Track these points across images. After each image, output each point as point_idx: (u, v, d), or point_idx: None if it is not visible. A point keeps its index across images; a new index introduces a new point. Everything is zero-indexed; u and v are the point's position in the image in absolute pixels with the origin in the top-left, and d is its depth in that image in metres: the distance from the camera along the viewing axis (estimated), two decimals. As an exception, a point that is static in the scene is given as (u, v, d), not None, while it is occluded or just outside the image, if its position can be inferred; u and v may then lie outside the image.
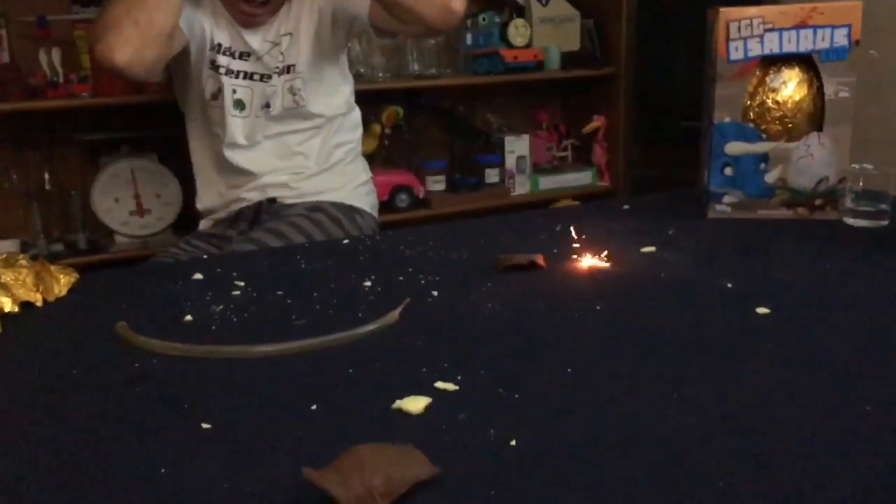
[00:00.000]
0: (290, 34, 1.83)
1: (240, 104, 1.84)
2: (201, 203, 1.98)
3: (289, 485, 0.60)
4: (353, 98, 2.02)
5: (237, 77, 1.84)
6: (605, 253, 1.17)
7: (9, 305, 1.03)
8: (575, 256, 1.17)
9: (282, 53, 1.83)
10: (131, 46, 1.60)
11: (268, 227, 1.74)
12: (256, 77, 1.84)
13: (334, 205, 1.87)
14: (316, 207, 1.84)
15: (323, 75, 1.89)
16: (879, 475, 0.59)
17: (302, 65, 1.84)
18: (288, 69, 1.84)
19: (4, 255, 1.12)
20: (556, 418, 0.70)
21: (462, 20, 1.92)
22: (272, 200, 1.86)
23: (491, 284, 1.08)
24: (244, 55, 1.83)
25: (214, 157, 1.91)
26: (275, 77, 1.83)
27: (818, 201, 1.37)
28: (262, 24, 1.82)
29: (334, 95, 1.94)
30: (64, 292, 1.12)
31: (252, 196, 1.88)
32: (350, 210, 1.90)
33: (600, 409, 0.71)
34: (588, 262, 1.15)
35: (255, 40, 1.82)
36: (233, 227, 1.84)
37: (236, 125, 1.84)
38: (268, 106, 1.84)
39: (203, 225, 1.97)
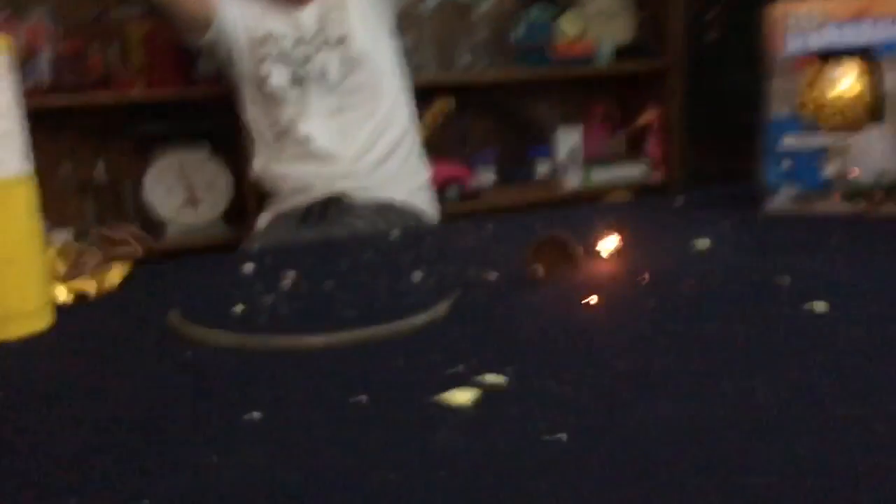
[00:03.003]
0: (337, 8, 1.86)
1: (297, 81, 1.87)
2: (268, 186, 1.99)
3: (336, 476, 0.60)
4: (406, 83, 2.04)
5: (291, 62, 1.86)
6: (659, 247, 1.15)
7: (64, 295, 1.04)
8: (627, 251, 1.15)
9: (330, 28, 1.85)
10: None
11: (339, 221, 1.76)
12: (311, 55, 1.86)
13: (403, 207, 1.89)
14: (386, 207, 1.86)
15: (374, 47, 1.91)
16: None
17: (352, 36, 1.86)
18: (340, 40, 1.86)
19: (60, 246, 1.14)
20: (608, 413, 0.69)
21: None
22: (339, 197, 1.88)
23: (542, 280, 1.07)
24: (299, 41, 1.86)
25: (275, 138, 1.94)
26: (325, 50, 1.85)
27: (878, 195, 1.34)
28: (309, 2, 1.85)
29: (387, 70, 1.96)
30: (117, 283, 1.14)
31: (317, 185, 1.88)
32: (416, 215, 1.92)
33: (652, 405, 0.70)
34: (640, 256, 1.14)
35: (306, 21, 1.86)
36: (301, 226, 1.85)
37: (293, 101, 1.87)
38: (324, 77, 1.86)
39: (262, 221, 1.99)
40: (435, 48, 2.93)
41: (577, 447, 0.63)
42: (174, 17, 1.87)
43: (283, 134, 1.91)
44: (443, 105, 2.93)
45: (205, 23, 1.86)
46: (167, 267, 1.29)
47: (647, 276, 1.05)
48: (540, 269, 1.06)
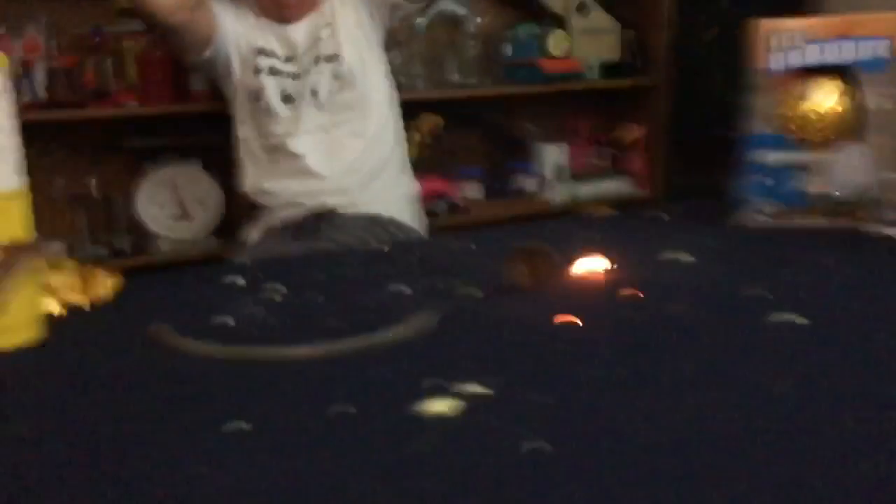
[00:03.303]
0: (330, 24, 1.88)
1: (288, 98, 1.89)
2: (257, 201, 2.01)
3: (322, 485, 0.61)
4: (395, 99, 2.06)
5: (284, 77, 1.89)
6: (638, 261, 1.17)
7: (55, 308, 1.05)
8: (610, 264, 1.17)
9: (324, 43, 1.88)
10: None
11: (330, 236, 1.77)
12: (301, 71, 1.89)
13: (392, 221, 1.91)
14: (376, 222, 1.87)
15: (364, 64, 1.93)
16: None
17: (343, 54, 1.88)
18: (330, 58, 1.88)
19: (52, 259, 1.15)
20: (591, 424, 0.70)
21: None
22: (330, 212, 1.89)
23: (526, 292, 1.09)
24: (289, 58, 1.88)
25: (266, 154, 1.96)
26: (316, 66, 1.88)
27: (857, 211, 1.36)
28: (299, 18, 1.87)
29: (376, 86, 1.98)
30: (108, 295, 1.15)
31: (307, 202, 1.90)
32: (405, 230, 1.94)
33: (634, 417, 0.72)
34: (623, 269, 1.15)
35: (299, 34, 1.88)
36: (293, 242, 1.86)
37: (285, 117, 1.89)
38: (315, 94, 1.89)
39: (253, 235, 2.00)
40: (425, 65, 2.95)
41: (559, 457, 0.64)
42: (179, 36, 1.88)
43: (274, 150, 1.92)
44: (432, 122, 2.95)
45: (208, 39, 1.88)
46: (157, 279, 1.30)
47: (630, 289, 1.07)
48: (521, 274, 1.08)
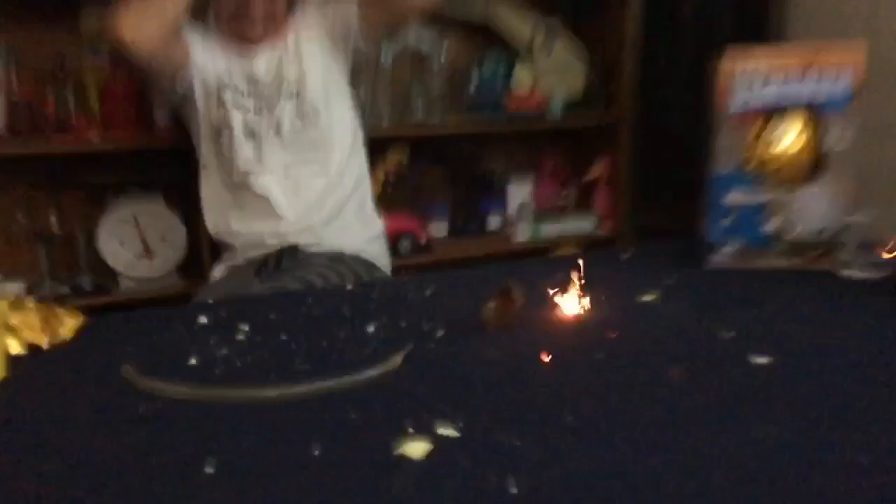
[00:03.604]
0: (290, 55, 1.89)
1: (251, 133, 1.89)
2: (220, 240, 2.00)
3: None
4: (360, 136, 2.06)
5: (247, 110, 1.88)
6: (605, 301, 1.17)
7: (16, 348, 1.04)
8: (575, 304, 1.17)
9: (287, 80, 1.88)
10: (136, 23, 1.75)
11: (292, 274, 1.76)
12: (264, 106, 1.89)
13: (355, 259, 1.90)
14: (338, 258, 1.87)
15: (328, 100, 1.93)
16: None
17: (306, 87, 1.89)
18: (294, 94, 1.89)
19: (12, 298, 1.14)
20: (556, 465, 0.70)
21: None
22: (293, 248, 1.88)
23: (493, 332, 1.09)
24: (251, 90, 1.88)
25: (229, 191, 1.95)
26: (282, 101, 1.88)
27: (817, 252, 1.38)
28: (262, 40, 1.87)
29: (340, 123, 1.98)
30: (70, 335, 1.14)
31: (270, 242, 1.90)
32: (370, 267, 1.93)
33: (599, 458, 0.72)
34: (587, 310, 1.16)
35: (259, 68, 1.88)
36: (255, 277, 1.84)
37: (248, 152, 1.88)
38: (278, 132, 1.89)
39: (217, 272, 1.98)
40: (390, 100, 2.96)
41: (525, 498, 0.64)
42: (154, 68, 1.87)
43: (238, 188, 1.91)
44: (397, 157, 2.95)
45: (181, 70, 1.87)
46: (120, 319, 1.29)
47: (601, 331, 1.08)
48: (495, 311, 1.09)
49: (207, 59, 1.88)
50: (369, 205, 2.09)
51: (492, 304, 1.10)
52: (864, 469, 0.68)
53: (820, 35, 2.63)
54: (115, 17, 1.74)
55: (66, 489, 0.69)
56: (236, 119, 1.88)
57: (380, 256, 2.04)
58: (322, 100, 1.92)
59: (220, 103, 1.89)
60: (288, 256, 1.87)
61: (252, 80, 1.90)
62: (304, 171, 1.92)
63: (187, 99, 1.94)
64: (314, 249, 1.90)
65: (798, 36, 3.05)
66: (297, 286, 1.67)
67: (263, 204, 1.90)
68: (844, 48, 1.35)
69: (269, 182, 1.90)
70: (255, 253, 1.91)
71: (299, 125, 1.89)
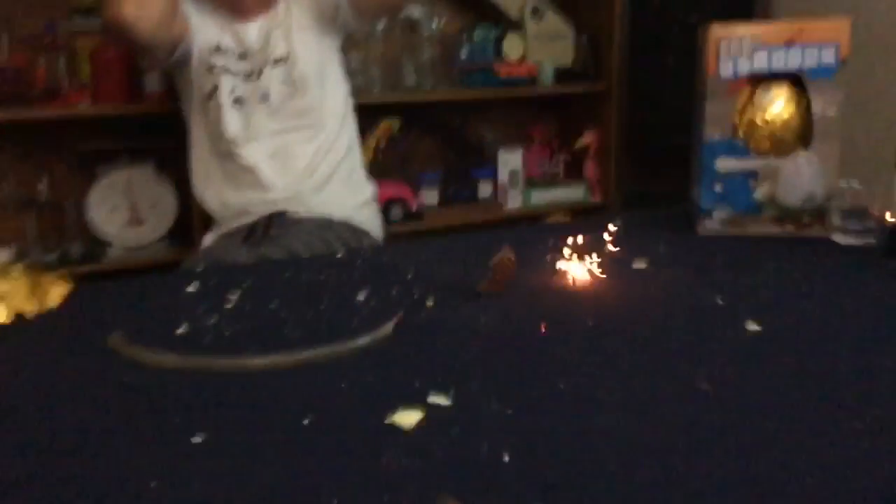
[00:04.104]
0: (281, 27, 1.87)
1: (239, 100, 1.87)
2: (209, 210, 1.99)
3: (280, 500, 0.61)
4: (350, 103, 2.05)
5: (236, 76, 1.87)
6: (596, 268, 1.17)
7: (2, 316, 1.03)
8: (566, 272, 1.17)
9: (273, 45, 1.86)
10: (137, 2, 1.70)
11: (281, 243, 1.75)
12: (254, 74, 1.87)
13: (343, 225, 1.89)
14: (327, 225, 1.86)
15: (319, 70, 1.92)
16: (871, 492, 0.60)
17: (294, 55, 1.87)
18: (280, 60, 1.87)
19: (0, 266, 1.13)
20: (549, 433, 0.70)
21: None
22: (281, 214, 1.88)
23: (484, 299, 1.09)
24: (243, 55, 1.87)
25: (217, 160, 1.93)
26: (268, 69, 1.86)
27: (806, 218, 1.38)
28: (254, 16, 1.86)
29: (332, 91, 1.96)
30: (58, 303, 1.13)
31: (259, 210, 1.89)
32: (359, 233, 1.92)
33: (592, 424, 0.72)
34: (579, 277, 1.16)
35: (250, 35, 1.86)
36: (244, 244, 1.84)
37: (235, 120, 1.87)
38: (266, 99, 1.87)
39: (207, 240, 1.97)
40: (381, 68, 2.94)
41: (518, 467, 0.64)
42: (156, 44, 1.84)
43: (226, 157, 1.90)
44: (388, 126, 2.94)
45: (180, 41, 1.84)
46: (108, 287, 1.28)
47: (588, 296, 1.08)
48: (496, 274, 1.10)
49: (199, 25, 1.86)
50: (359, 171, 2.08)
51: (492, 267, 1.10)
52: (859, 433, 0.68)
53: (807, 14, 2.65)
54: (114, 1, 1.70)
55: (51, 458, 0.69)
56: (224, 86, 1.87)
57: (370, 222, 2.02)
58: (312, 70, 1.90)
59: (209, 68, 1.87)
60: (276, 223, 1.86)
61: (241, 47, 1.88)
62: (292, 139, 1.91)
63: (180, 66, 1.92)
64: (303, 215, 1.89)
65: (785, 14, 3.06)
66: (282, 254, 1.67)
67: (251, 176, 1.89)
68: (830, 23, 1.34)
69: (256, 152, 1.89)
70: (245, 220, 1.90)
71: (287, 93, 1.88)
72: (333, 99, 1.97)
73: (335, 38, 1.97)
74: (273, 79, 1.87)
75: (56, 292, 1.14)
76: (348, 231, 1.89)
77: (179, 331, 1.01)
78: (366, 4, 1.92)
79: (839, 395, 0.77)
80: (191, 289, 1.19)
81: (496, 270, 1.10)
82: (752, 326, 0.96)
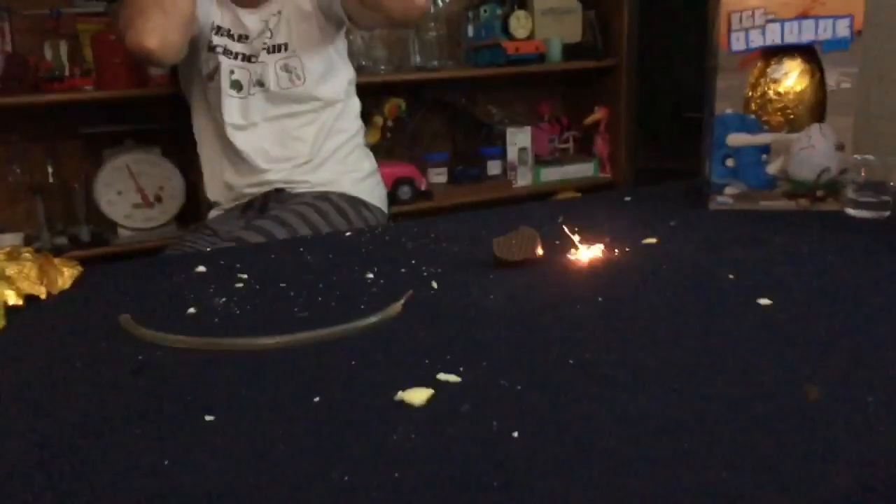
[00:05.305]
0: (280, 13, 1.86)
1: (237, 84, 1.87)
2: (211, 195, 2.00)
3: (291, 477, 0.61)
4: (353, 87, 2.04)
5: (234, 58, 1.86)
6: (607, 244, 1.17)
7: (13, 298, 1.03)
8: (577, 248, 1.17)
9: (271, 31, 1.85)
10: (160, 32, 1.67)
11: (274, 215, 1.76)
12: (253, 58, 1.86)
13: (341, 196, 1.89)
14: (323, 197, 1.86)
15: (319, 57, 1.90)
16: (881, 465, 0.59)
17: (294, 44, 1.86)
18: (279, 48, 1.86)
19: (8, 249, 1.13)
20: (559, 410, 0.70)
21: (423, 15, 1.95)
22: (279, 190, 1.88)
23: (493, 276, 1.09)
24: (242, 37, 1.86)
25: (218, 143, 1.94)
26: (264, 55, 1.86)
27: (820, 192, 1.37)
28: (258, 3, 1.85)
29: (332, 80, 1.95)
30: (68, 285, 1.13)
31: (258, 190, 1.89)
32: (357, 202, 1.91)
33: (602, 401, 0.71)
34: (590, 253, 1.15)
35: (251, 20, 1.85)
36: (242, 218, 1.85)
37: (233, 105, 1.86)
38: (263, 85, 1.86)
39: (212, 214, 1.99)
40: (387, 48, 2.93)
41: (528, 444, 0.64)
42: (175, 62, 1.83)
43: (226, 143, 1.89)
44: (394, 105, 2.93)
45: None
46: (118, 268, 1.28)
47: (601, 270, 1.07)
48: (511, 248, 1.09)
49: (203, 5, 1.85)
50: (359, 151, 2.06)
51: (513, 239, 1.10)
52: (872, 407, 0.68)
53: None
54: (133, 28, 1.68)
55: (64, 439, 0.69)
56: (224, 69, 1.86)
57: (369, 193, 2.00)
58: (312, 59, 1.89)
59: (210, 47, 1.87)
60: (274, 199, 1.87)
61: (241, 30, 1.87)
62: (290, 124, 1.90)
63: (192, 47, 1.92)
64: (301, 190, 1.89)
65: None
66: (275, 227, 1.68)
67: (251, 163, 1.90)
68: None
69: (256, 138, 1.89)
70: (243, 201, 1.92)
71: (286, 80, 1.87)
72: (333, 86, 1.96)
73: (334, 26, 1.95)
74: (271, 64, 1.87)
75: (66, 274, 1.14)
76: (345, 201, 1.88)
77: (190, 311, 1.01)
78: (356, 13, 1.86)
79: (852, 370, 0.76)
80: (200, 269, 1.19)
81: (519, 241, 1.10)
82: (764, 301, 0.95)
